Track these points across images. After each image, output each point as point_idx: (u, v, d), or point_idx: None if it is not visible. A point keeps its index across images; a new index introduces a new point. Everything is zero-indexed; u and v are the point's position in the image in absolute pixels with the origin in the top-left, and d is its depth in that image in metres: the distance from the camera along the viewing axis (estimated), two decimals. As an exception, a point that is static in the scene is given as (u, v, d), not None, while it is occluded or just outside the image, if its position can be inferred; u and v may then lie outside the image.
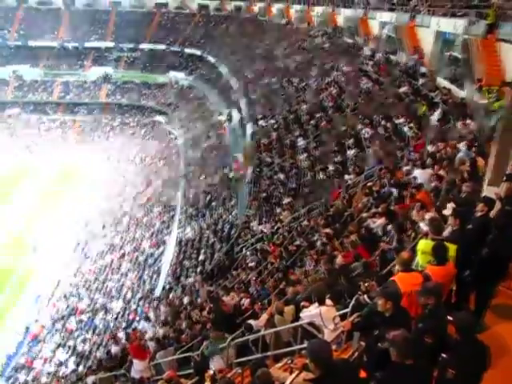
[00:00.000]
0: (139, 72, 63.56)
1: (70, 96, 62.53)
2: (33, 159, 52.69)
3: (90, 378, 13.41)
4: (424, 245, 6.20)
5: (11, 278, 34.03)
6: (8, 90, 62.13)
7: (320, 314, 6.79)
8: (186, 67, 61.34)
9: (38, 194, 45.95)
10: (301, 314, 7.38)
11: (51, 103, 62.53)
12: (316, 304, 7.11)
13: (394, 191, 12.19)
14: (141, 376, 10.12)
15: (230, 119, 40.24)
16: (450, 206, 8.19)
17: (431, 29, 21.93)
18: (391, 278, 5.57)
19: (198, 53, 60.07)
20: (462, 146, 11.71)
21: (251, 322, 9.72)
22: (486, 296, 6.02)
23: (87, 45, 64.85)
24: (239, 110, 38.95)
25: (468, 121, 13.91)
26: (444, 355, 4.40)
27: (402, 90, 20.29)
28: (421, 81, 20.06)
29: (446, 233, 6.95)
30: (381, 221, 10.86)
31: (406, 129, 17.36)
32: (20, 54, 64.05)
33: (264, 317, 9.43)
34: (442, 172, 11.02)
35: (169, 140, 52.14)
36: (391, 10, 27.65)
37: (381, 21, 28.99)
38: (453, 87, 18.81)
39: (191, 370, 8.91)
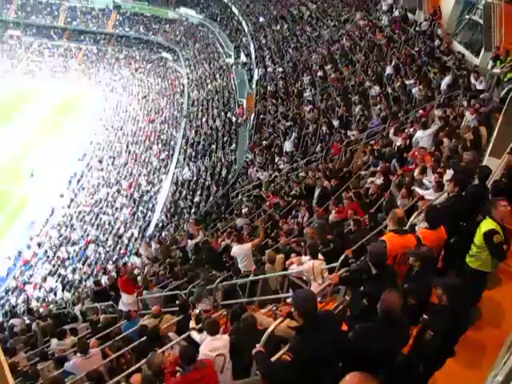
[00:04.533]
0: (148, 4, 61.66)
1: (76, 22, 60.79)
2: (34, 85, 51.84)
3: (77, 307, 13.67)
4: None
5: (7, 202, 34.27)
6: (11, 8, 60.26)
7: (312, 268, 6.90)
8: (198, 4, 59.46)
9: (37, 120, 45.53)
10: (292, 267, 7.48)
11: (56, 28, 60.76)
12: (307, 257, 7.22)
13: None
14: (128, 309, 10.31)
15: (237, 63, 39.44)
16: (450, 172, 8.21)
17: (454, -12, 21.13)
18: (381, 238, 5.60)
19: (211, -10, 58.23)
20: (469, 114, 11.56)
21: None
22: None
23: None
24: (248, 55, 38.12)
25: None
26: (425, 316, 4.52)
27: (415, 50, 19.81)
28: (436, 43, 19.53)
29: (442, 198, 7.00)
30: (378, 180, 10.86)
31: (414, 90, 17.06)
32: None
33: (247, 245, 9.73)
34: (445, 139, 10.93)
35: (174, 78, 51.26)
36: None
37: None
38: (467, 53, 18.35)
39: (176, 308, 9.08)
